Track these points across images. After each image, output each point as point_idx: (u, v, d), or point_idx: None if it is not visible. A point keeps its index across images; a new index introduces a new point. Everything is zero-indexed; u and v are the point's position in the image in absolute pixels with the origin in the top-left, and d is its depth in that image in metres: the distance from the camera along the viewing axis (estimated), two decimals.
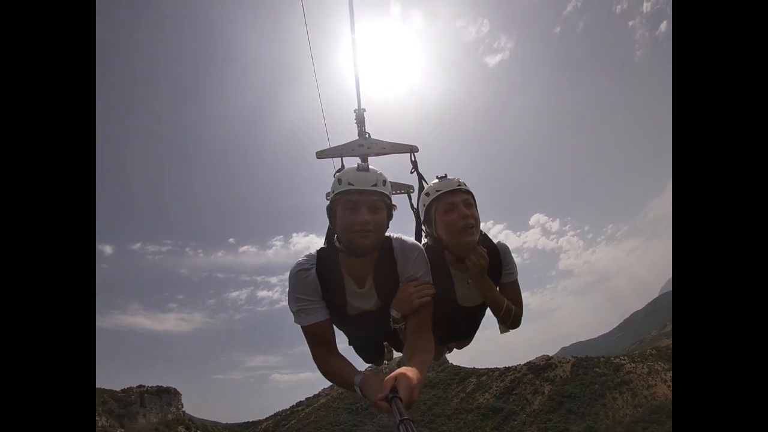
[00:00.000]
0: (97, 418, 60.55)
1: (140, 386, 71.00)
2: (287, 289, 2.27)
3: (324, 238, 2.40)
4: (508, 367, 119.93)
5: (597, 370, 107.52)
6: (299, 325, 2.29)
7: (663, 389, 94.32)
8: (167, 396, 72.72)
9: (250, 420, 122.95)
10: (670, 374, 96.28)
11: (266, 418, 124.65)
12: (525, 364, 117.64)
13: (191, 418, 77.31)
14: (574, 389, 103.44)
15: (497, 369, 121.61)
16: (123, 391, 70.01)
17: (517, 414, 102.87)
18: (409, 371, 1.72)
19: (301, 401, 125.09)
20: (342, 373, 2.12)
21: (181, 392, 73.30)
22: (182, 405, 73.45)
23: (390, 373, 1.73)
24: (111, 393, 69.83)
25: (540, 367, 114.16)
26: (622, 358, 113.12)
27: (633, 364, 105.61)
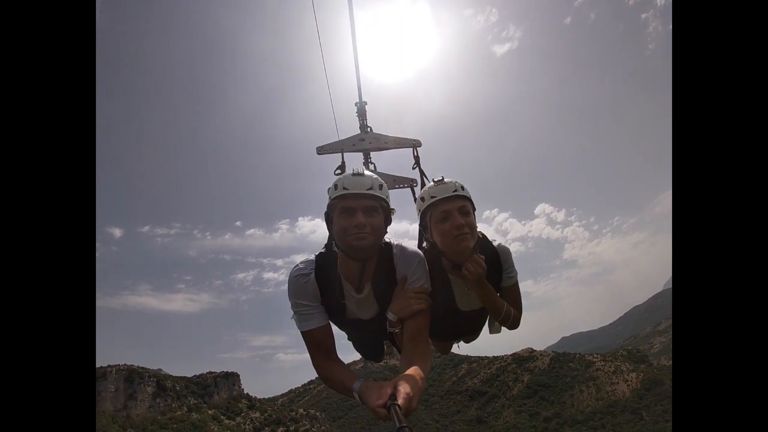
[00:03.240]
0: (189, 399, 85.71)
1: (210, 372, 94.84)
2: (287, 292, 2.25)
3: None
4: (496, 357, 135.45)
5: (571, 365, 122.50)
6: (299, 330, 2.27)
7: (623, 387, 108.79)
8: (231, 378, 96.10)
9: (266, 397, 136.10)
10: (632, 375, 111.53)
11: (281, 394, 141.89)
12: (511, 355, 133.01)
13: (248, 393, 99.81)
14: (549, 380, 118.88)
15: (486, 357, 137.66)
16: (198, 376, 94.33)
17: (498, 398, 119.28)
18: (407, 379, 1.71)
19: (312, 380, 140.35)
20: (341, 379, 2.10)
21: (240, 374, 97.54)
22: (242, 384, 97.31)
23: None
24: (189, 379, 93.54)
25: (523, 359, 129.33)
26: (594, 356, 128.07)
27: (603, 363, 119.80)
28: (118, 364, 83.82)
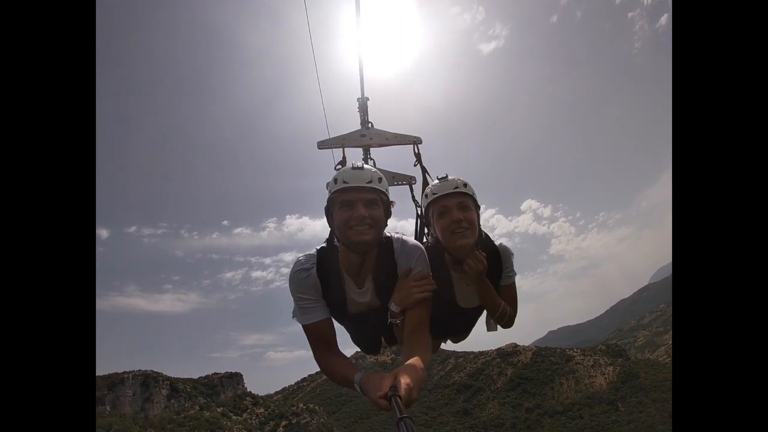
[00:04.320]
0: (199, 399, 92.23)
1: (215, 373, 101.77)
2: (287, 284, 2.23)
3: (320, 229, 2.38)
4: (482, 351, 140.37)
5: (552, 359, 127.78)
6: (300, 324, 2.27)
7: (600, 380, 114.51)
8: (236, 378, 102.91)
9: (260, 394, 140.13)
10: (609, 368, 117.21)
11: (275, 392, 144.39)
12: (495, 350, 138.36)
13: (251, 392, 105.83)
14: (531, 373, 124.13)
15: (472, 352, 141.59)
16: (204, 377, 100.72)
17: (483, 390, 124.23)
18: (408, 370, 1.71)
19: (305, 377, 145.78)
20: (342, 372, 2.10)
21: (243, 374, 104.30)
22: (245, 384, 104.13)
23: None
24: (196, 381, 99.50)
25: (507, 353, 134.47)
26: (574, 350, 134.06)
27: (582, 357, 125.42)
28: (134, 370, 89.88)
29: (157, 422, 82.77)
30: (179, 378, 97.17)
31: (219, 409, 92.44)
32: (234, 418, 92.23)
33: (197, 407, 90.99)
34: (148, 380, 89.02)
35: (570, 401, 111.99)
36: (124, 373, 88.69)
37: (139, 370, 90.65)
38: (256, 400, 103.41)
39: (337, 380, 2.16)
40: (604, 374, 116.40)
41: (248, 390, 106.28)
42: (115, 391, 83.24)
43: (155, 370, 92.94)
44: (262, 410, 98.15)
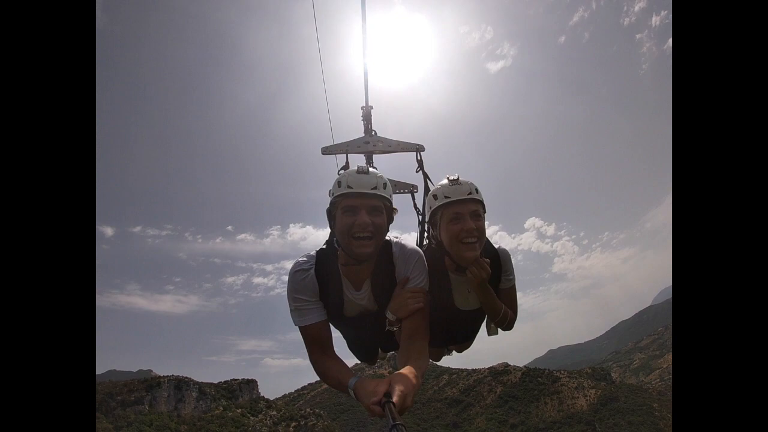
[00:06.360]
0: (222, 401, 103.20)
1: (234, 379, 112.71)
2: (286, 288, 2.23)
3: (320, 235, 2.33)
4: (474, 369, 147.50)
5: (539, 379, 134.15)
6: (296, 326, 2.24)
7: (582, 401, 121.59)
8: (251, 384, 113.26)
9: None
10: (592, 391, 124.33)
11: (274, 399, 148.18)
12: (487, 368, 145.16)
13: (264, 396, 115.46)
14: (518, 392, 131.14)
15: (465, 370, 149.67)
16: (224, 382, 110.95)
17: (473, 406, 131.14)
18: (402, 377, 1.70)
19: (304, 386, 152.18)
20: (337, 376, 2.08)
21: (257, 380, 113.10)
22: (259, 389, 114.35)
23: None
24: (217, 385, 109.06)
25: (498, 372, 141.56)
26: (560, 372, 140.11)
27: (567, 379, 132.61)
28: (169, 375, 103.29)
29: (189, 420, 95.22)
30: (205, 382, 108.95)
31: (238, 411, 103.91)
32: (251, 419, 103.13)
33: (221, 408, 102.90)
34: (180, 384, 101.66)
35: (551, 420, 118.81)
36: (161, 377, 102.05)
37: (173, 375, 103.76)
38: (269, 403, 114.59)
39: (331, 383, 2.15)
40: (586, 396, 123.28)
41: (261, 395, 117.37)
42: (152, 392, 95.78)
43: (186, 375, 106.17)
44: (274, 412, 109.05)
